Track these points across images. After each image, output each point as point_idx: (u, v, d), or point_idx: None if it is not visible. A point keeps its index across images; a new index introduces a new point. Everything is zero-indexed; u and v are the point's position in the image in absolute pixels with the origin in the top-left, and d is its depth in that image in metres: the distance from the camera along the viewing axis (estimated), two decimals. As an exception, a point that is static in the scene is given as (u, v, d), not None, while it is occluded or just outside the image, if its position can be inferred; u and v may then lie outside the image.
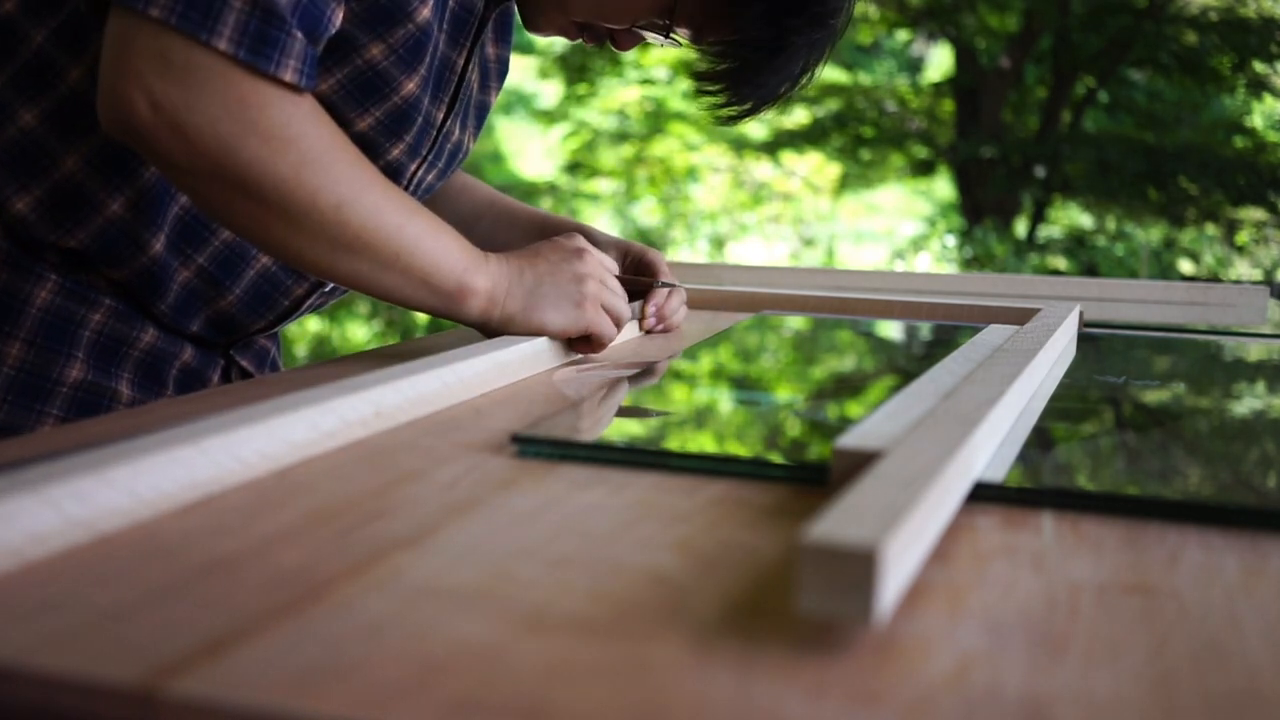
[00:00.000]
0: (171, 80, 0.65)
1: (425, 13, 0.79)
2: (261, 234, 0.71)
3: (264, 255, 0.87)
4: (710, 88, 0.87)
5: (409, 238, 0.73)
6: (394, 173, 0.87)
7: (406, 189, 0.91)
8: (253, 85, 0.67)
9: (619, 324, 0.85)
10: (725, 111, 0.89)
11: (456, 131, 0.94)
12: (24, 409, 0.80)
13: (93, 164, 0.79)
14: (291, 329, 5.78)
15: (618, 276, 0.88)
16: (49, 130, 0.78)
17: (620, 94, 10.96)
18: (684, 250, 10.23)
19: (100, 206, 0.80)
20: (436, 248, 0.75)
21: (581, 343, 0.83)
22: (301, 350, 5.91)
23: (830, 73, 11.54)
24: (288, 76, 0.68)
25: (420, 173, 0.91)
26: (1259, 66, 9.10)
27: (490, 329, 0.80)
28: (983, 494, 0.52)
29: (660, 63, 10.63)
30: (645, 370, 0.82)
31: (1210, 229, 9.84)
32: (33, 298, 0.80)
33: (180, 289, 0.85)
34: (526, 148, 12.94)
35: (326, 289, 0.93)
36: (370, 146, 0.83)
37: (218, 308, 0.88)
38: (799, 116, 10.83)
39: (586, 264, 0.82)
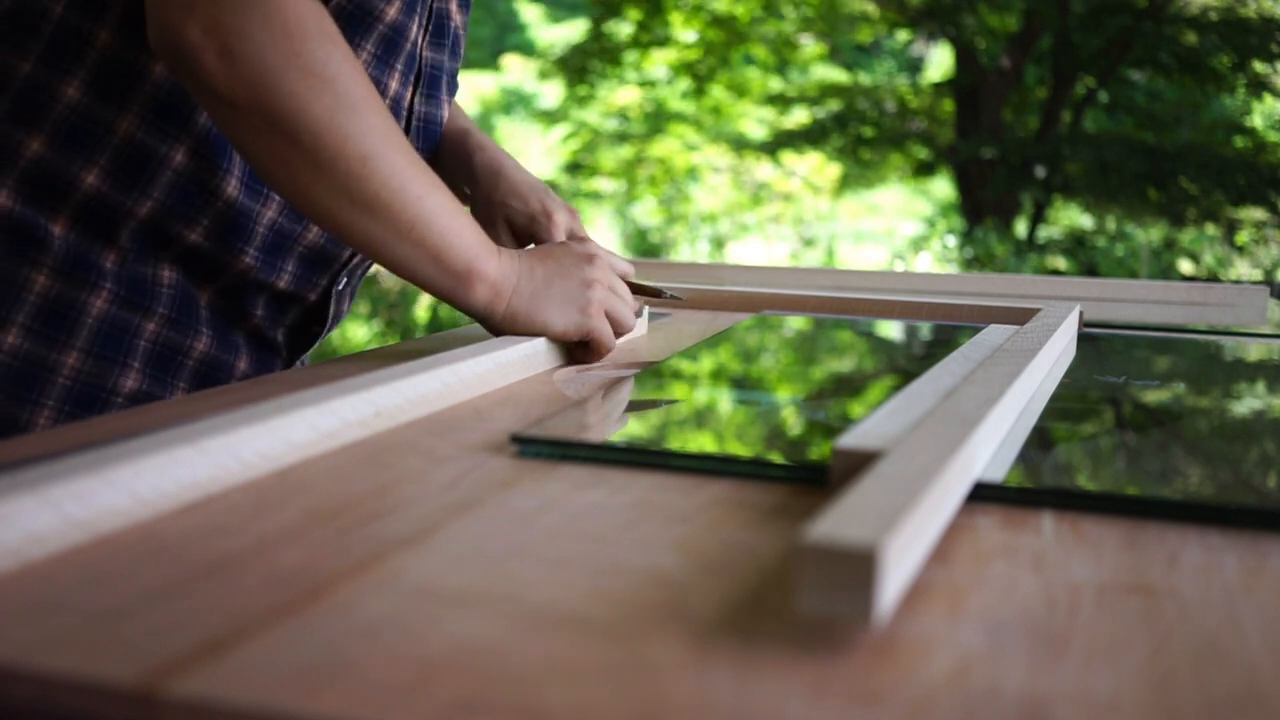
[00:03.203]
0: (224, 4, 0.66)
1: None
2: (286, 178, 0.71)
3: None
4: None
5: (427, 210, 0.73)
6: (394, 109, 0.87)
7: (409, 124, 0.91)
8: (296, 12, 0.67)
9: (621, 332, 0.85)
10: None
11: (430, 52, 0.94)
12: (81, 421, 0.80)
13: (147, 120, 0.79)
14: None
15: (630, 283, 0.87)
16: (95, 98, 0.78)
17: (620, 95, 10.97)
18: (684, 250, 10.23)
19: (165, 160, 0.80)
20: (452, 226, 0.74)
21: (580, 349, 0.83)
22: (302, 350, 5.90)
23: (830, 73, 11.55)
24: None
25: (415, 103, 0.92)
26: (1259, 66, 9.11)
27: (494, 322, 0.79)
28: (983, 494, 0.52)
29: (660, 63, 10.64)
30: (645, 370, 0.82)
31: (1210, 229, 9.85)
32: (89, 307, 0.79)
33: (267, 230, 0.85)
34: (527, 148, 12.95)
35: None
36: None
37: (306, 241, 0.87)
38: (799, 116, 10.85)
39: (596, 269, 0.82)
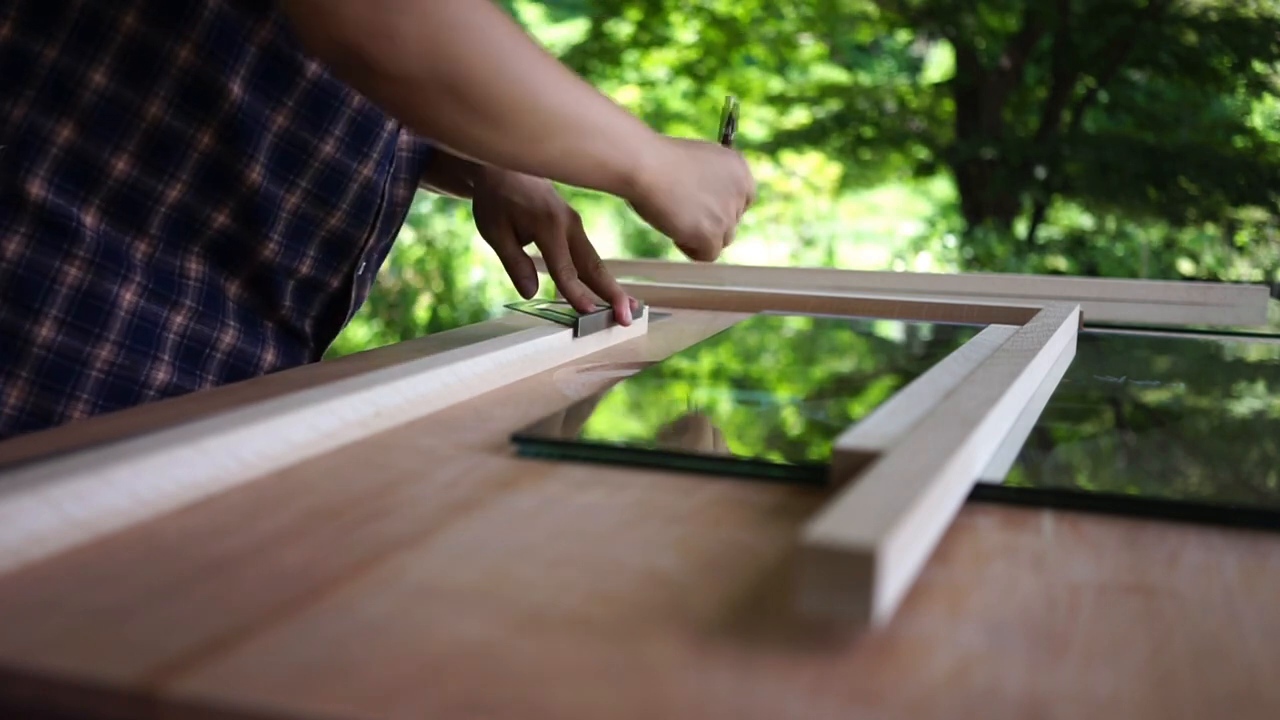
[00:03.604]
0: None
1: None
2: (459, 134, 0.73)
3: (364, 168, 0.88)
4: None
5: (591, 123, 0.77)
6: None
7: None
8: None
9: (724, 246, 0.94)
10: None
11: None
12: (101, 416, 0.80)
13: (174, 104, 0.79)
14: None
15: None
16: (122, 84, 0.78)
17: (620, 95, 10.96)
18: (684, 250, 10.21)
19: (192, 143, 0.80)
20: (616, 132, 0.79)
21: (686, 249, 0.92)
22: (301, 350, 5.90)
23: (830, 73, 11.55)
24: None
25: None
26: (1259, 66, 9.10)
27: (643, 209, 0.85)
28: (983, 494, 0.52)
29: (660, 64, 10.64)
30: (645, 370, 0.82)
31: (1210, 229, 9.85)
32: (120, 299, 0.79)
33: (290, 215, 0.85)
34: (526, 148, 12.93)
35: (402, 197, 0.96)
36: None
37: (329, 227, 0.88)
38: (799, 116, 10.84)
39: (739, 201, 0.90)
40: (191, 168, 0.80)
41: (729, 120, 0.99)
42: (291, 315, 0.90)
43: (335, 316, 0.95)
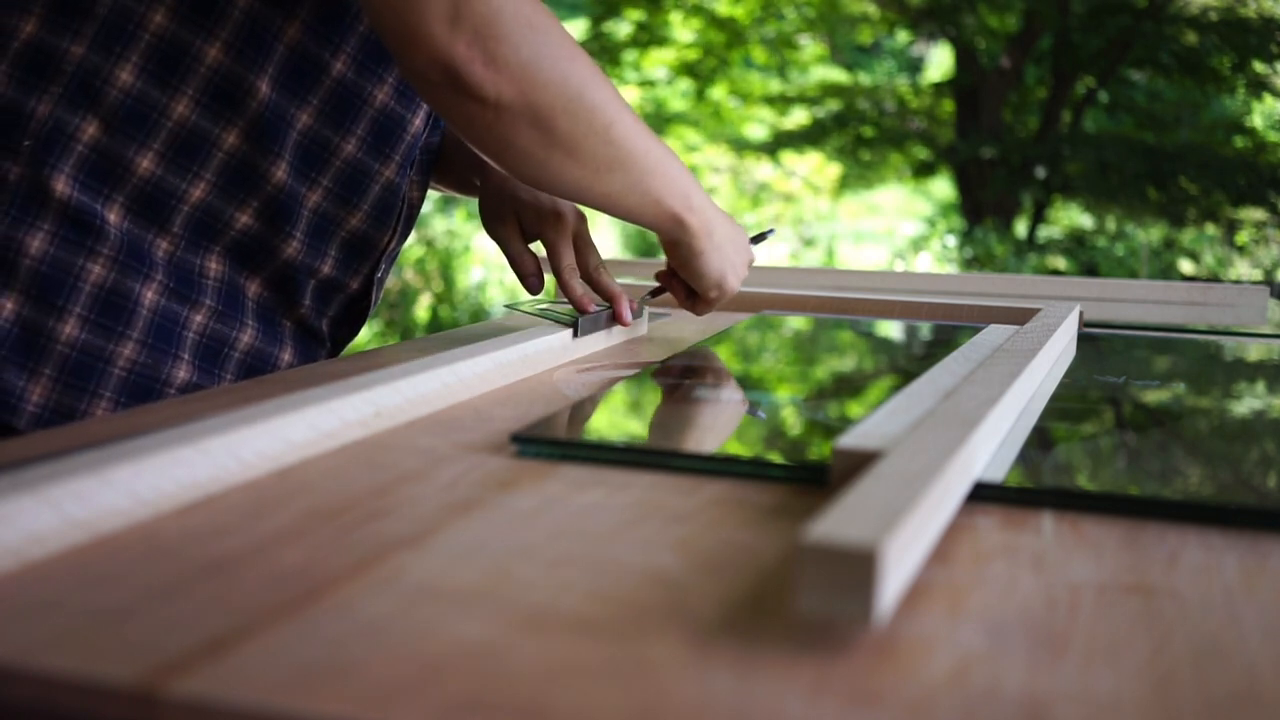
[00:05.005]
0: (480, 14, 0.69)
1: None
2: (537, 163, 0.75)
3: (386, 170, 0.88)
4: None
5: (653, 161, 0.80)
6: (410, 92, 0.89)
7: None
8: (529, 8, 0.71)
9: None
10: None
11: None
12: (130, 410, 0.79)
13: (201, 103, 0.79)
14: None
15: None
16: (149, 82, 0.78)
17: (620, 94, 10.91)
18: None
19: (218, 142, 0.80)
20: (673, 173, 0.82)
21: (690, 296, 0.95)
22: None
23: (830, 73, 11.55)
24: None
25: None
26: (1259, 66, 9.10)
27: (681, 247, 0.88)
28: (983, 494, 0.52)
29: (660, 64, 10.64)
30: (645, 370, 0.82)
31: (1210, 229, 9.84)
32: (142, 298, 0.79)
33: (311, 214, 0.85)
34: (526, 148, 12.91)
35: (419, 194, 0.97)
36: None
37: (349, 227, 0.88)
38: (799, 116, 10.84)
39: (746, 268, 0.95)
40: (216, 167, 0.80)
41: (762, 236, 1.06)
42: (310, 315, 0.90)
43: (353, 318, 0.95)
